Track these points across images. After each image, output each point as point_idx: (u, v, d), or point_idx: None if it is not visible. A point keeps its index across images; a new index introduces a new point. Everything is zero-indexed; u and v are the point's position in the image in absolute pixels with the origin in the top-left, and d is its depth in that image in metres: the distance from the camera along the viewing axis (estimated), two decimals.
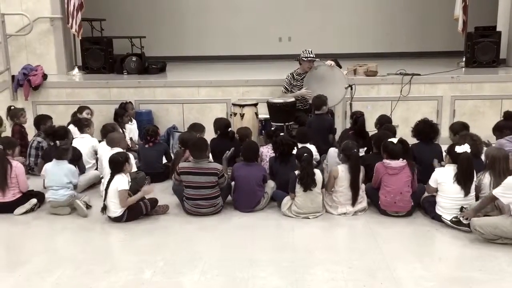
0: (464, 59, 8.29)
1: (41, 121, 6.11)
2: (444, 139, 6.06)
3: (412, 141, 5.16)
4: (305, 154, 4.52)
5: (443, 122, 7.03)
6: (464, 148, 4.28)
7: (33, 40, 8.04)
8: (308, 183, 4.47)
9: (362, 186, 4.65)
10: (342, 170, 4.60)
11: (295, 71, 6.84)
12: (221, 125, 5.65)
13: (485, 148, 4.78)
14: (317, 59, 6.69)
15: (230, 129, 5.67)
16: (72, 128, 6.04)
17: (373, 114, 6.36)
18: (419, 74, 7.15)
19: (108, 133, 5.53)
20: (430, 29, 11.12)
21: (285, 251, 3.93)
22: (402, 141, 4.61)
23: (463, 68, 8.12)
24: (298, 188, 4.52)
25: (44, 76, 7.41)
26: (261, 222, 4.54)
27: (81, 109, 6.53)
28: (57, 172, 4.78)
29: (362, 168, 4.65)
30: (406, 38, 11.29)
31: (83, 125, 5.84)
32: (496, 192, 3.94)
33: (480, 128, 6.66)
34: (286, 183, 4.66)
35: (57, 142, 4.99)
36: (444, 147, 4.77)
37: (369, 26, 11.38)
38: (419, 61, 9.48)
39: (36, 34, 7.99)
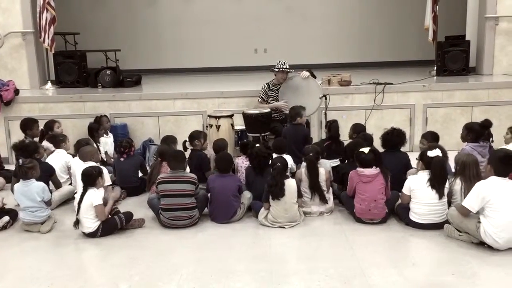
0: (435, 68, 8.48)
1: None
2: (416, 147, 6.18)
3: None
4: (277, 164, 4.58)
5: (416, 129, 7.15)
6: (435, 153, 4.39)
7: (5, 55, 7.95)
8: (276, 192, 4.50)
9: (330, 189, 4.91)
10: (302, 173, 4.86)
11: (271, 81, 6.88)
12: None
13: (455, 154, 4.88)
14: (291, 70, 6.75)
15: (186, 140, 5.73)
16: (47, 145, 5.95)
17: (348, 123, 6.43)
18: (391, 83, 7.26)
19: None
20: (402, 39, 11.33)
21: (262, 261, 3.93)
22: (373, 150, 4.67)
23: (435, 77, 8.29)
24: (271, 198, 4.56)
25: (16, 91, 7.29)
26: (238, 232, 4.54)
27: (50, 124, 6.34)
28: (26, 193, 4.63)
29: (325, 171, 4.86)
30: (379, 48, 11.49)
31: (59, 140, 5.77)
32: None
33: (452, 136, 6.84)
34: (262, 194, 4.67)
35: (20, 160, 4.69)
36: (415, 155, 4.86)
37: (343, 37, 11.56)
38: (391, 70, 9.62)
39: (8, 48, 7.92)
